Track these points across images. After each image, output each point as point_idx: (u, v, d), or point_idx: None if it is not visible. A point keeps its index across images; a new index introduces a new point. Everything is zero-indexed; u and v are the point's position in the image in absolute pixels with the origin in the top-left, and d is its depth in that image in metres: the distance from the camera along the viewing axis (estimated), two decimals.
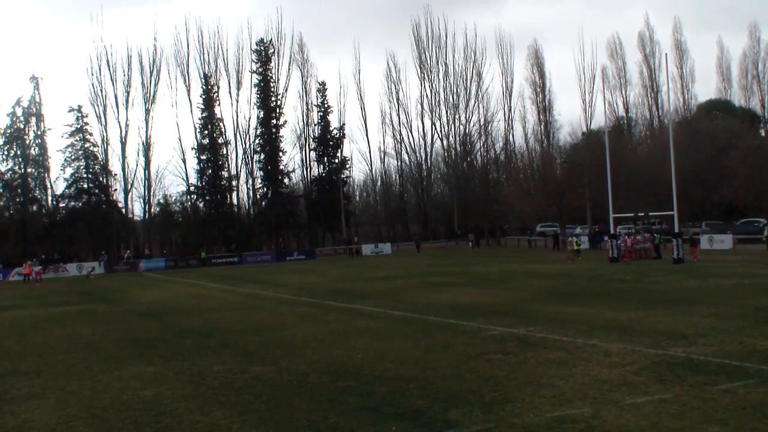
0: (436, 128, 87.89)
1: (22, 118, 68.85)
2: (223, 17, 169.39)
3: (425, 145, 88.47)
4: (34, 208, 70.99)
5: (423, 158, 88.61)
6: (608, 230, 43.88)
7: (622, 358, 12.68)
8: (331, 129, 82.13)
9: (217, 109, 76.96)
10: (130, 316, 24.41)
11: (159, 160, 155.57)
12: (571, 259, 42.27)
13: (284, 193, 78.27)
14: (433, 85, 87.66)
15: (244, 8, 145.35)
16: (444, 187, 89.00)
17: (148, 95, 76.20)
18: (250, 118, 79.87)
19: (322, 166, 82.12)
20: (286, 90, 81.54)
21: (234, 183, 78.26)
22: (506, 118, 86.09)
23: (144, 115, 76.29)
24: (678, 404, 9.48)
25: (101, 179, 72.64)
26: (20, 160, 68.66)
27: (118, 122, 75.53)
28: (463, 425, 9.10)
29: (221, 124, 77.40)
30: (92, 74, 75.48)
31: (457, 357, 13.59)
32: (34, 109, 69.60)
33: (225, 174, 76.98)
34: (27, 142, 69.25)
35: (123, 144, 75.38)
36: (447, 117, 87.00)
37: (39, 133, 69.99)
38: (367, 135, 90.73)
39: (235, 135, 79.17)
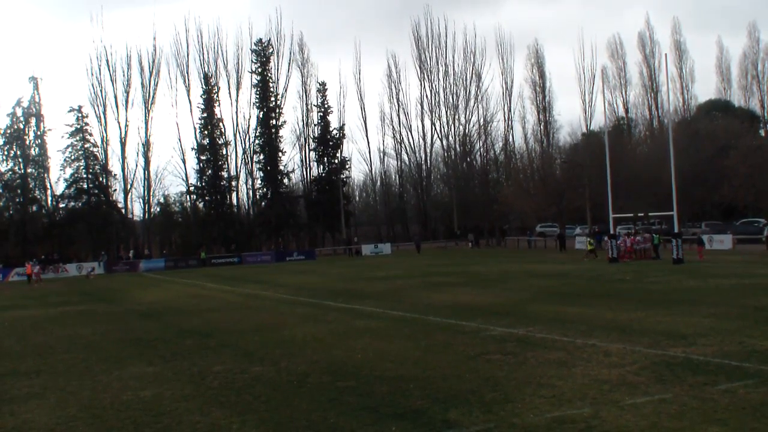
0: (435, 128, 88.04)
1: (22, 119, 68.86)
2: (222, 17, 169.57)
3: (425, 145, 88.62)
4: (34, 208, 70.99)
5: (423, 158, 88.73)
6: (608, 230, 43.86)
7: (621, 358, 12.68)
8: (330, 129, 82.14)
9: (216, 110, 77.00)
10: (129, 317, 24.41)
11: (159, 160, 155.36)
12: (588, 258, 42.21)
13: (284, 194, 78.27)
14: (433, 86, 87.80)
15: (243, 8, 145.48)
16: (444, 188, 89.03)
17: (147, 95, 76.33)
18: (249, 118, 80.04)
19: (321, 167, 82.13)
20: (286, 90, 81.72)
21: (234, 183, 78.33)
22: (506, 119, 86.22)
23: (144, 115, 76.45)
24: (678, 404, 9.48)
25: (101, 179, 72.63)
26: (20, 160, 68.66)
27: (118, 122, 75.69)
28: (463, 425, 9.10)
29: (221, 124, 77.49)
30: (92, 74, 75.67)
31: (457, 357, 13.59)
32: (34, 110, 69.62)
33: (225, 174, 76.99)
34: (27, 142, 69.25)
35: (123, 144, 75.52)
36: (447, 117, 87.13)
37: (39, 133, 70.03)
38: (366, 135, 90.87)
39: (235, 135, 79.33)
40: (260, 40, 78.65)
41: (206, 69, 78.35)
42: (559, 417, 9.17)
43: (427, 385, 11.29)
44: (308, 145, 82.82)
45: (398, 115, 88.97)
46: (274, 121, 78.00)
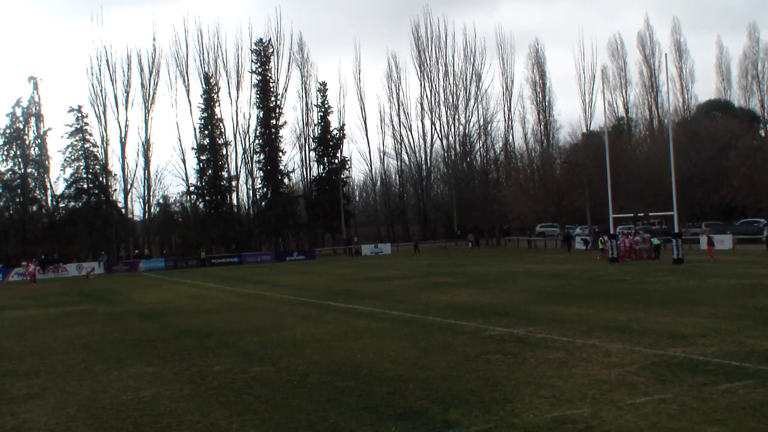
0: (435, 128, 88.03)
1: (21, 119, 68.84)
2: (222, 17, 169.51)
3: (425, 145, 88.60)
4: (34, 208, 70.95)
5: (423, 158, 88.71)
6: (608, 230, 43.86)
7: (621, 358, 12.67)
8: (330, 129, 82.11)
9: (216, 110, 76.97)
10: (129, 317, 24.40)
11: (159, 160, 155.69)
12: (602, 257, 42.16)
13: (284, 194, 78.24)
14: (433, 86, 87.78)
15: (243, 8, 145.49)
16: (444, 188, 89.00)
17: (147, 95, 76.28)
18: (249, 118, 80.00)
19: (321, 167, 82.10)
20: (286, 90, 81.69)
21: (234, 183, 78.31)
22: (506, 119, 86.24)
23: (144, 115, 76.42)
24: (677, 404, 9.47)
25: (101, 179, 72.61)
26: (20, 160, 68.63)
27: (118, 122, 75.68)
28: (463, 425, 9.10)
29: (221, 124, 77.45)
30: (92, 74, 75.62)
31: (457, 357, 13.59)
32: (34, 110, 69.60)
33: (225, 174, 76.97)
34: (27, 142, 69.24)
35: (123, 144, 75.50)
36: (447, 117, 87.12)
37: (39, 133, 70.04)
38: (366, 135, 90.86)
39: (235, 135, 79.30)
40: (261, 40, 78.68)
41: (206, 69, 78.44)
42: (559, 417, 9.17)
43: (427, 386, 11.29)
44: (308, 145, 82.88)
45: (398, 115, 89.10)
46: (274, 121, 77.98)
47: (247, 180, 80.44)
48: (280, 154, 78.29)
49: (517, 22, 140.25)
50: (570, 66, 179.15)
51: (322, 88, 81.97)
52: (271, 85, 78.88)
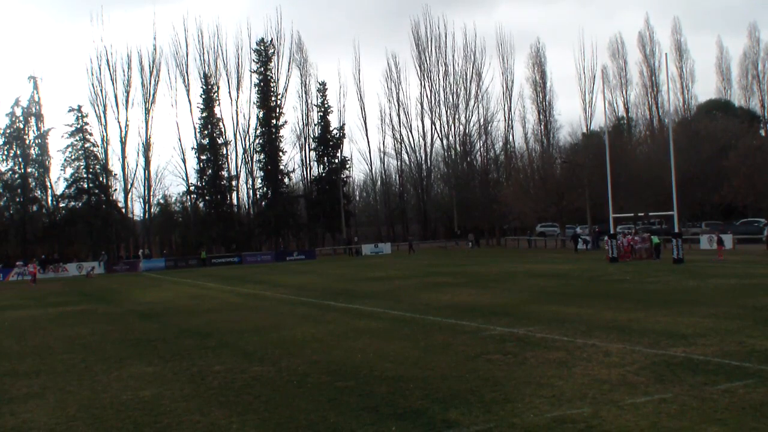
0: (435, 128, 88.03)
1: (21, 118, 68.84)
2: (222, 17, 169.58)
3: (425, 145, 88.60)
4: (34, 208, 70.95)
5: (423, 158, 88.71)
6: (608, 230, 43.86)
7: (621, 358, 12.67)
8: (331, 129, 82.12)
9: (216, 109, 76.98)
10: (129, 317, 24.40)
11: (159, 160, 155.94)
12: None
13: (284, 193, 78.23)
14: (433, 85, 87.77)
15: (243, 8, 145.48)
16: (444, 187, 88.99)
17: (147, 95, 76.31)
18: (249, 118, 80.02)
19: (322, 166, 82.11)
20: (286, 90, 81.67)
21: (234, 183, 78.31)
22: (506, 118, 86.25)
23: (144, 115, 76.41)
24: (677, 404, 9.47)
25: (101, 179, 72.61)
26: (20, 160, 68.65)
27: (118, 122, 75.68)
28: (463, 425, 9.09)
29: (221, 124, 77.49)
30: (92, 74, 75.62)
31: (457, 357, 13.59)
32: (34, 109, 69.60)
33: (225, 174, 76.98)
34: (27, 142, 69.26)
35: (123, 144, 75.52)
36: (447, 117, 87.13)
37: (39, 133, 70.03)
38: (367, 135, 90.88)
39: (235, 135, 79.32)
40: (262, 40, 78.66)
41: (206, 69, 78.45)
42: (559, 417, 9.17)
43: (427, 385, 11.29)
44: (308, 145, 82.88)
45: (398, 115, 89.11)
46: (274, 121, 77.97)
47: (247, 180, 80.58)
48: (281, 153, 78.33)
49: (517, 22, 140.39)
50: (570, 66, 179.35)
51: (322, 88, 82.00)
52: (272, 84, 78.87)
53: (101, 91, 75.05)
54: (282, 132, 78.68)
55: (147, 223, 77.86)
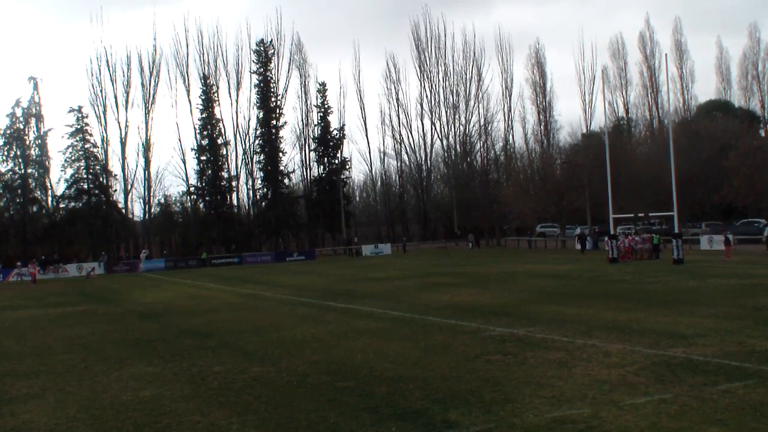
0: (435, 129, 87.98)
1: (21, 119, 68.81)
2: (222, 18, 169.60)
3: (425, 145, 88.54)
4: (34, 208, 70.91)
5: (423, 159, 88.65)
6: (608, 231, 43.85)
7: (621, 358, 12.67)
8: (330, 129, 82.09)
9: (216, 110, 76.94)
10: (129, 317, 24.40)
11: (159, 160, 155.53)
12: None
13: (284, 194, 78.20)
14: (433, 86, 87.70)
15: (243, 9, 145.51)
16: (444, 188, 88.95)
17: (147, 96, 76.21)
18: (249, 118, 79.92)
19: (322, 167, 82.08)
20: (286, 90, 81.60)
21: (234, 183, 78.27)
22: (506, 119, 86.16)
23: (144, 115, 76.34)
24: (677, 404, 9.47)
25: (101, 180, 72.58)
26: (20, 160, 68.60)
27: (118, 123, 75.60)
28: (463, 425, 9.09)
29: (221, 124, 77.44)
30: (92, 75, 75.56)
31: (457, 357, 13.59)
32: (34, 110, 69.57)
33: (225, 174, 76.93)
34: (27, 142, 69.21)
35: (123, 144, 75.47)
36: (447, 117, 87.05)
37: (39, 133, 70.02)
38: (366, 135, 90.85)
39: (235, 135, 79.25)
40: (262, 41, 78.62)
41: (206, 69, 78.39)
42: (559, 417, 9.17)
43: (427, 386, 11.29)
44: (308, 146, 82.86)
45: (398, 116, 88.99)
46: (274, 122, 77.95)
47: (247, 180, 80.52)
48: (280, 154, 78.28)
49: (517, 23, 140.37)
50: (570, 66, 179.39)
51: (322, 89, 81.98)
52: (271, 85, 78.83)
53: (101, 91, 75.10)
54: (282, 132, 78.73)
55: (147, 223, 77.82)
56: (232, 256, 67.10)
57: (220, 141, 76.83)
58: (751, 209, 59.32)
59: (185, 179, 77.55)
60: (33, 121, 69.58)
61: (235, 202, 79.48)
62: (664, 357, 12.59)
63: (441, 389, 11.01)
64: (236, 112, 79.96)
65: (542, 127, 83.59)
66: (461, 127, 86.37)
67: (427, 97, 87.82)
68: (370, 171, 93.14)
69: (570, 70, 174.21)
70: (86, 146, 71.34)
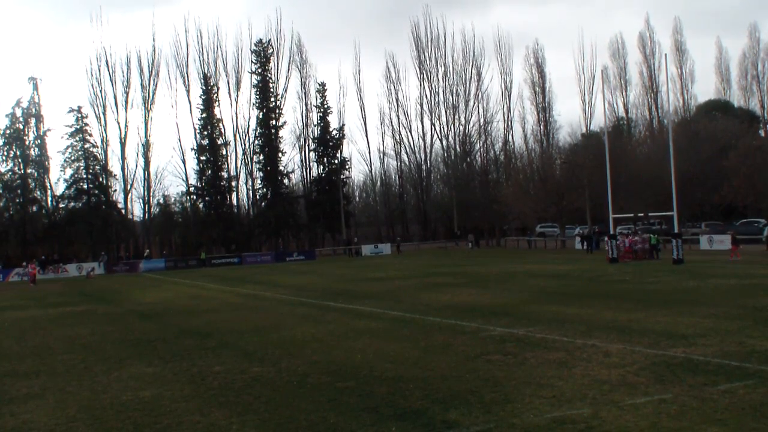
0: (435, 129, 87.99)
1: (21, 119, 68.85)
2: (222, 18, 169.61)
3: (425, 145, 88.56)
4: (34, 208, 70.94)
5: (422, 159, 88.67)
6: (608, 231, 43.83)
7: (621, 358, 12.67)
8: (330, 130, 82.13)
9: (216, 110, 76.97)
10: (129, 317, 24.40)
11: (158, 160, 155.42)
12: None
13: (284, 194, 78.23)
14: (433, 86, 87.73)
15: (243, 9, 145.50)
16: (444, 188, 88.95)
17: (147, 96, 76.30)
18: (249, 118, 79.97)
19: (321, 167, 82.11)
20: (286, 91, 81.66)
21: (233, 184, 78.34)
22: (506, 119, 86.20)
23: (143, 115, 76.43)
24: (677, 405, 9.47)
25: (101, 180, 72.61)
26: (20, 160, 68.63)
27: (118, 123, 75.66)
28: (463, 425, 9.09)
29: (221, 124, 77.46)
30: (92, 75, 75.61)
31: (457, 357, 13.59)
32: (34, 110, 69.61)
33: (224, 174, 76.98)
34: (27, 142, 69.25)
35: (122, 145, 75.53)
36: (446, 117, 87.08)
37: (39, 134, 70.03)
38: (366, 136, 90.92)
39: (235, 136, 79.31)
40: (260, 41, 78.66)
41: (206, 69, 78.43)
42: (559, 417, 9.17)
43: (427, 386, 11.29)
44: (308, 146, 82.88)
45: (398, 116, 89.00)
46: (273, 122, 78.00)
47: (246, 180, 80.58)
48: (280, 154, 78.34)
49: (516, 23, 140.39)
50: (570, 66, 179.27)
51: (322, 89, 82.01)
52: (271, 85, 78.90)
53: (101, 92, 75.17)
54: (281, 133, 78.88)
55: (147, 223, 77.84)
56: (231, 256, 67.11)
57: (219, 141, 76.88)
58: (751, 209, 59.29)
59: (185, 179, 77.71)
60: (33, 121, 69.64)
61: (234, 202, 79.61)
62: (664, 357, 12.59)
63: (441, 389, 11.01)
64: (236, 112, 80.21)
65: (542, 127, 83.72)
66: (461, 127, 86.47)
67: (426, 97, 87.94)
68: (370, 171, 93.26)
69: (570, 70, 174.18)
70: (86, 146, 71.39)
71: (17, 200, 68.76)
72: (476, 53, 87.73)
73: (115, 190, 74.96)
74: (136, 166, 77.66)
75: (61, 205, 72.18)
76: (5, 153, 68.35)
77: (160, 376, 13.32)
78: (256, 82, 78.14)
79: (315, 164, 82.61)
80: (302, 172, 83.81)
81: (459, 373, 12.15)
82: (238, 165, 79.35)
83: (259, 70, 78.14)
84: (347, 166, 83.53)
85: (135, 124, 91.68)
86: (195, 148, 76.47)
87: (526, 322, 17.77)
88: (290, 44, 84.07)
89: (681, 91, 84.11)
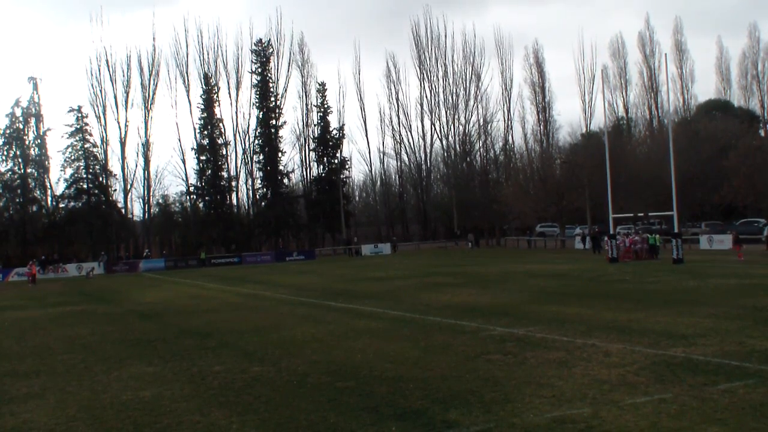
0: (435, 129, 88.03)
1: (21, 119, 68.84)
2: (222, 17, 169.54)
3: (425, 145, 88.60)
4: (34, 208, 70.94)
5: (422, 159, 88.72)
6: (608, 230, 43.84)
7: (621, 358, 12.67)
8: (330, 129, 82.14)
9: (216, 110, 76.98)
10: (129, 317, 24.40)
11: (158, 160, 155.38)
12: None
13: (284, 194, 78.24)
14: (433, 86, 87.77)
15: (243, 8, 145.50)
16: (444, 188, 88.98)
17: (147, 96, 76.29)
18: (249, 118, 80.00)
19: (321, 167, 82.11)
20: (286, 90, 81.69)
21: (233, 183, 78.36)
22: (505, 119, 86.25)
23: (143, 115, 76.45)
24: (677, 404, 9.47)
25: (101, 179, 72.62)
26: (20, 160, 68.63)
27: (118, 123, 75.68)
28: (463, 425, 9.09)
29: (221, 124, 77.49)
30: (92, 75, 75.70)
31: (457, 357, 13.58)
32: (34, 110, 69.60)
33: (224, 174, 77.00)
34: (27, 142, 69.25)
35: (122, 144, 75.54)
36: (446, 117, 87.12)
37: (39, 133, 70.03)
38: (366, 135, 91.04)
39: (235, 135, 79.34)
40: (260, 41, 78.68)
41: (206, 69, 78.46)
42: (559, 417, 9.17)
43: (427, 386, 11.28)
44: (308, 145, 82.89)
45: (398, 116, 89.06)
46: (274, 121, 78.01)
47: (246, 180, 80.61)
48: (280, 154, 78.38)
49: (516, 23, 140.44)
50: (570, 66, 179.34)
51: (322, 89, 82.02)
52: (271, 85, 78.93)
53: (101, 91, 75.18)
54: (282, 132, 78.95)
55: (147, 223, 77.85)
56: (231, 256, 67.13)
57: (220, 141, 76.91)
58: (751, 209, 59.32)
59: (185, 179, 77.72)
60: (33, 121, 69.63)
61: (234, 202, 79.63)
62: (664, 357, 12.59)
63: (441, 389, 11.00)
64: (236, 112, 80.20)
65: (542, 127, 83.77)
66: (461, 127, 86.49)
67: (426, 97, 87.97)
68: (370, 171, 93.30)
69: (569, 70, 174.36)
70: (86, 146, 71.39)
71: (17, 200, 68.76)
72: (476, 53, 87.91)
73: (115, 190, 75.09)
74: (136, 165, 77.73)
75: (61, 205, 72.18)
76: (5, 153, 68.36)
77: (160, 375, 13.32)
78: (256, 81, 78.15)
79: (315, 164, 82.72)
80: (302, 171, 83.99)
81: (459, 372, 12.15)
82: (238, 165, 79.51)
83: (259, 70, 78.15)
84: (347, 166, 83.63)
85: (135, 123, 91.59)
86: (195, 147, 76.53)
87: (526, 321, 17.77)
88: (290, 44, 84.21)
89: (681, 90, 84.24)
